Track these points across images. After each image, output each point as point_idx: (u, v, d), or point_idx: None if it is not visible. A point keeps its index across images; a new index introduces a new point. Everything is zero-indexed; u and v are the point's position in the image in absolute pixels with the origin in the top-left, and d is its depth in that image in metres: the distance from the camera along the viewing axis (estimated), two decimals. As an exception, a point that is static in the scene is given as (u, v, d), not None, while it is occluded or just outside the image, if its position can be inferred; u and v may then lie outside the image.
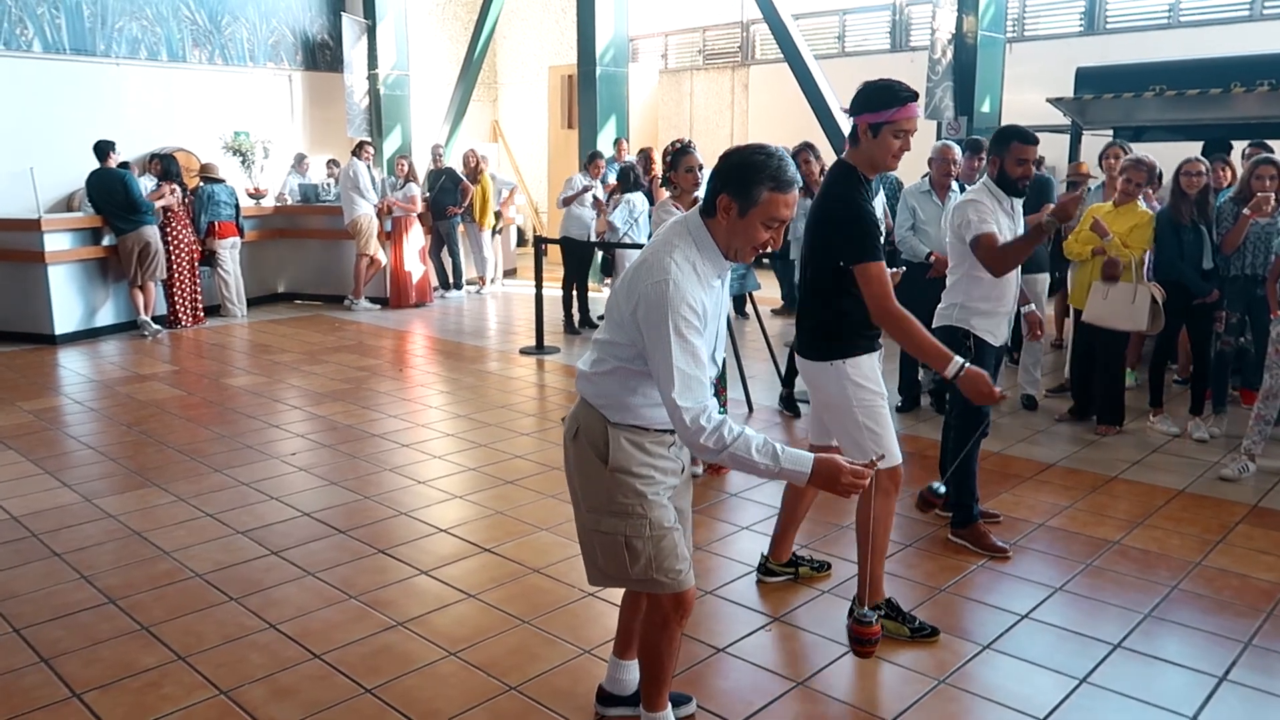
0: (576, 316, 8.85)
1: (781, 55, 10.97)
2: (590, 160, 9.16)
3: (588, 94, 12.01)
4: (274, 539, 4.01)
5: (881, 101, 2.88)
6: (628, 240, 7.85)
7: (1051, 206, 4.09)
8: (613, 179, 9.22)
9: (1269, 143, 6.61)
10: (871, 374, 3.07)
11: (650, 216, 7.98)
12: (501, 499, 4.50)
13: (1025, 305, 4.34)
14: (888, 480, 3.06)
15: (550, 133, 14.62)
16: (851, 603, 3.13)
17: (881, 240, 2.98)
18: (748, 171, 2.09)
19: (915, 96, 2.93)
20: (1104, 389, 5.48)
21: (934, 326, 3.93)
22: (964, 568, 3.74)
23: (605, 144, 11.89)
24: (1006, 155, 3.80)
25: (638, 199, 8.03)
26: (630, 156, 9.49)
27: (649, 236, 7.76)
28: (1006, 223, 3.89)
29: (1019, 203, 3.95)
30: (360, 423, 5.80)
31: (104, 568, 3.73)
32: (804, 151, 6.62)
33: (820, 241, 3.03)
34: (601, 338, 2.26)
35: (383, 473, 4.89)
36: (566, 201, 8.82)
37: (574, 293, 8.82)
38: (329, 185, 11.15)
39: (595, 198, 8.75)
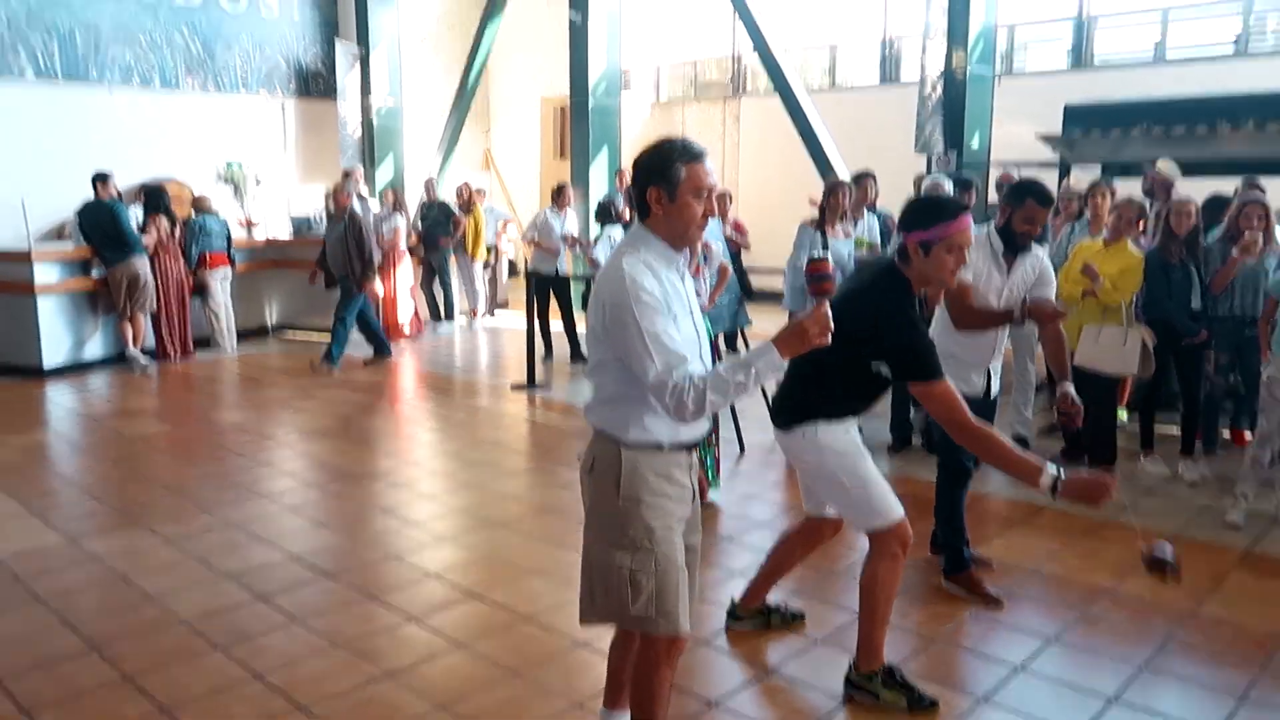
0: (559, 349, 8.88)
1: (773, 88, 11.05)
2: (558, 193, 9.05)
3: (580, 125, 12.07)
4: (261, 583, 3.96)
5: (931, 218, 2.80)
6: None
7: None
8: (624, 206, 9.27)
9: (1259, 179, 6.67)
10: (844, 437, 2.99)
11: None
12: (492, 541, 4.46)
13: (1061, 384, 3.79)
14: (893, 542, 2.96)
15: (543, 163, 14.70)
16: (850, 662, 3.10)
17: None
18: (660, 158, 2.22)
19: (966, 209, 2.86)
20: (1096, 430, 5.48)
21: None
22: (957, 615, 3.71)
23: (598, 174, 11.94)
24: (1018, 210, 3.77)
25: (617, 232, 8.10)
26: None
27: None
28: (997, 276, 3.89)
29: (1023, 259, 3.89)
30: (350, 461, 5.75)
31: (87, 613, 3.68)
32: (864, 180, 6.62)
33: (853, 332, 2.69)
34: (593, 364, 2.34)
35: (372, 514, 4.84)
36: (535, 243, 8.80)
37: (550, 327, 8.84)
38: (321, 217, 11.13)
39: (572, 236, 8.72)
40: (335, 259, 8.43)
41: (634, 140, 13.90)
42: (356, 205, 9.48)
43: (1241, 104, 7.66)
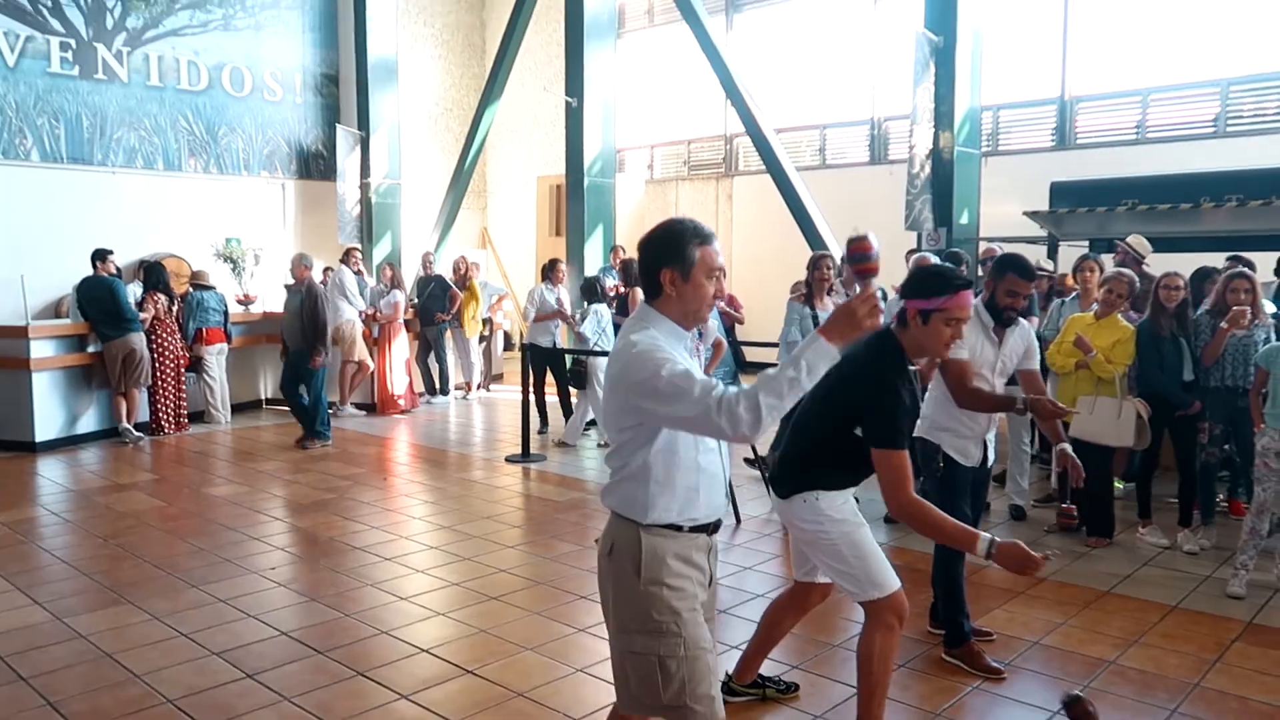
0: (555, 421, 8.86)
1: (764, 166, 11.28)
2: (550, 268, 9.09)
3: (575, 203, 12.28)
4: (250, 660, 3.88)
5: (933, 289, 2.86)
6: (597, 349, 8.00)
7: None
8: (610, 282, 9.36)
9: (1245, 255, 6.79)
10: (845, 506, 3.00)
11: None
12: (485, 616, 4.40)
13: (1059, 444, 4.03)
14: (889, 613, 2.95)
15: (538, 240, 14.89)
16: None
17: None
18: (673, 240, 2.25)
19: (969, 285, 2.92)
20: (1093, 502, 5.46)
21: (913, 434, 3.95)
22: (959, 690, 3.65)
23: (593, 251, 12.10)
24: (1000, 284, 3.86)
25: (603, 309, 8.27)
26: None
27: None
28: (989, 350, 3.93)
29: (1013, 332, 3.95)
30: (342, 535, 5.70)
31: (71, 693, 3.60)
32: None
33: (845, 398, 2.88)
34: (611, 447, 2.32)
35: (364, 588, 4.78)
36: (538, 319, 8.79)
37: (545, 399, 8.83)
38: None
39: (556, 310, 8.72)
40: (290, 331, 8.36)
41: (628, 217, 14.15)
42: (340, 275, 9.60)
43: (1223, 181, 7.84)
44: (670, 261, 2.23)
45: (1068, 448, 3.96)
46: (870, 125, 13.10)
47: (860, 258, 2.26)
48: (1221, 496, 5.95)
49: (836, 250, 7.91)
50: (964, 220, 9.58)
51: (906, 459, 2.78)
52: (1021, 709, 3.50)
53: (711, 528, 2.35)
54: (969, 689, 3.65)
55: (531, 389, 8.22)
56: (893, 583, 2.96)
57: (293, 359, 8.36)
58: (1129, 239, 6.95)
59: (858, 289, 2.08)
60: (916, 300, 2.88)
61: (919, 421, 3.92)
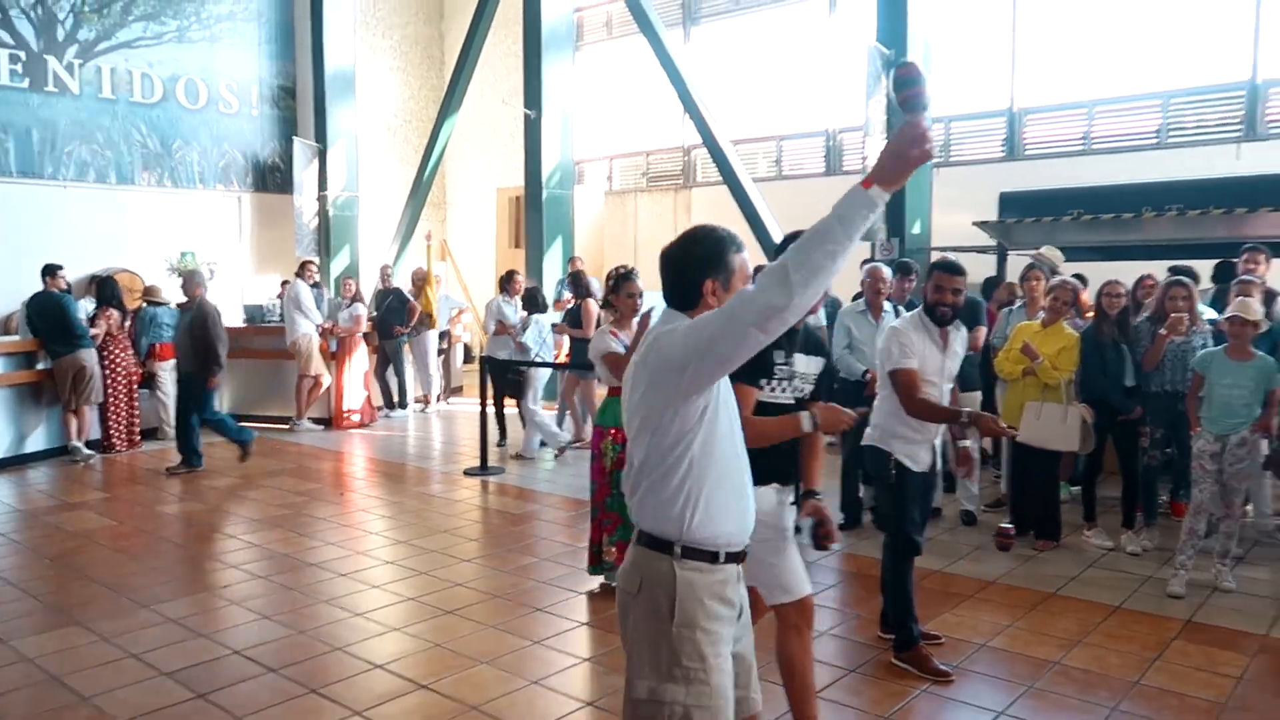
0: (514, 433, 8.85)
1: (722, 178, 11.38)
2: (508, 279, 9.01)
3: (534, 215, 12.31)
4: (201, 680, 3.85)
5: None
6: (538, 359, 8.03)
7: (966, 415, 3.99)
8: (568, 294, 9.37)
9: (1188, 264, 6.99)
10: (767, 507, 2.92)
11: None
12: (441, 630, 4.39)
13: (963, 440, 4.35)
14: (796, 615, 3.02)
15: (498, 252, 14.89)
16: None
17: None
18: (718, 249, 2.21)
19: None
20: (1040, 505, 5.58)
21: (861, 444, 4.05)
22: (907, 693, 3.71)
23: (552, 263, 12.13)
24: (929, 284, 3.97)
25: (544, 320, 8.31)
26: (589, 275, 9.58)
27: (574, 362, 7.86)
28: (935, 355, 4.01)
29: (959, 333, 4.04)
30: (297, 551, 5.66)
31: (17, 716, 3.54)
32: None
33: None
34: (637, 453, 2.17)
35: (318, 604, 4.75)
36: (498, 330, 8.71)
37: (505, 411, 8.81)
38: (274, 305, 11.15)
39: (501, 322, 8.63)
40: (182, 351, 7.88)
41: (587, 229, 14.19)
42: (295, 289, 9.53)
43: (1164, 192, 8.08)
44: (715, 271, 2.19)
45: (969, 444, 4.39)
46: (826, 136, 13.27)
47: (905, 82, 1.97)
48: (1163, 498, 6.09)
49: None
50: (916, 230, 9.74)
51: (743, 389, 2.73)
52: (968, 710, 3.57)
53: (742, 555, 2.25)
54: (917, 692, 3.72)
55: (490, 401, 8.21)
56: (805, 588, 3.04)
57: (186, 380, 7.88)
58: (1041, 250, 7.13)
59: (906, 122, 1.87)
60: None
61: (869, 430, 4.01)
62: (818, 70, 13.13)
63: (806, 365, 3.08)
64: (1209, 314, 5.81)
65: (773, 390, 2.98)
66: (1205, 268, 6.95)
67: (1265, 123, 9.91)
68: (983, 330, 6.24)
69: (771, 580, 3.02)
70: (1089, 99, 11.11)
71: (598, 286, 8.19)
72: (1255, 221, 7.26)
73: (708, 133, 11.12)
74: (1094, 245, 8.24)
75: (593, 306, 8.26)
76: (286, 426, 9.93)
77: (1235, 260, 6.13)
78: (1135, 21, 10.82)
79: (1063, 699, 3.65)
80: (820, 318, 6.62)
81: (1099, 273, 6.59)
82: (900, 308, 6.05)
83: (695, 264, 2.20)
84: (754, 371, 2.84)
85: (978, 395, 6.19)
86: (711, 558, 2.15)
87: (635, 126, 15.26)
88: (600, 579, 4.94)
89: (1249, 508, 5.55)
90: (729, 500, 2.17)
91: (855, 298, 6.21)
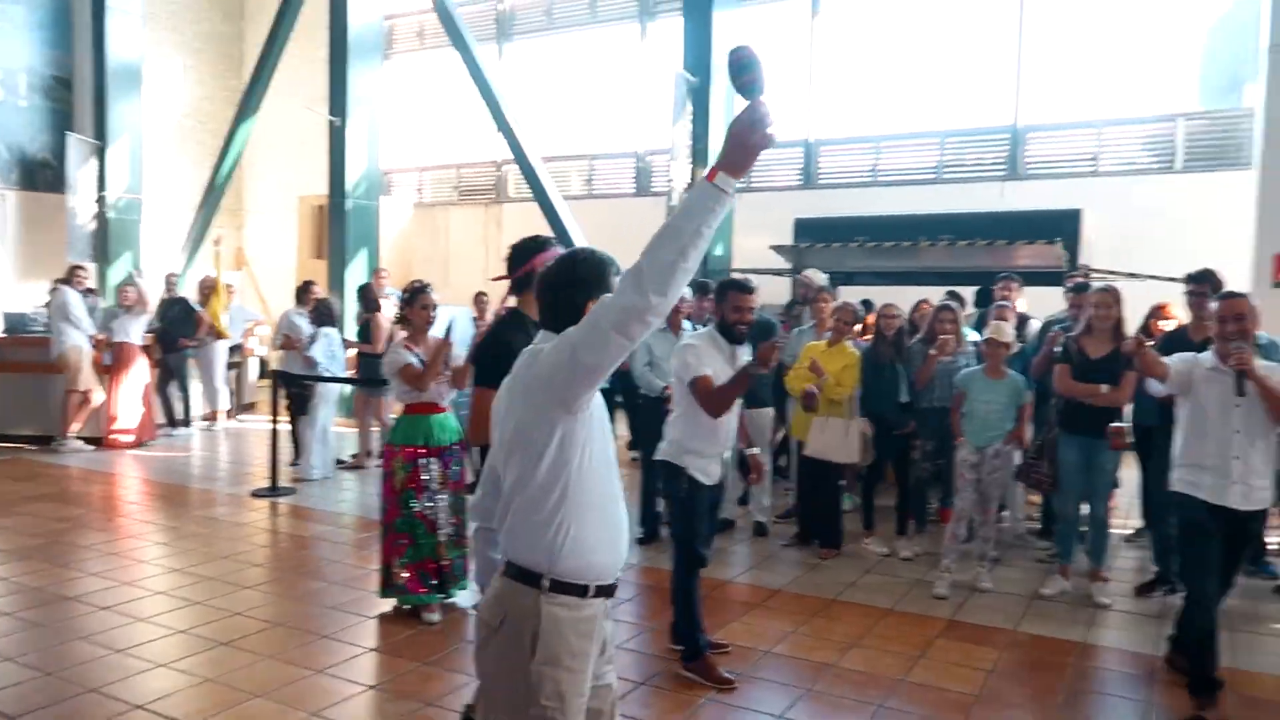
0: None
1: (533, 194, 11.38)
2: (304, 290, 8.65)
3: (338, 225, 11.85)
4: (-79, 733, 3.42)
5: (532, 251, 3.22)
6: (327, 374, 7.76)
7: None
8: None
9: (958, 289, 7.59)
10: None
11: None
12: (214, 664, 4.11)
13: (750, 448, 4.59)
14: None
15: (300, 263, 14.23)
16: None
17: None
18: (599, 272, 2.24)
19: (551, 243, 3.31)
20: (823, 515, 5.88)
21: (655, 458, 4.13)
22: (694, 702, 3.80)
23: (356, 275, 11.70)
24: (725, 304, 4.10)
25: (334, 333, 8.05)
26: (391, 287, 9.25)
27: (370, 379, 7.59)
28: (726, 371, 4.15)
29: (745, 350, 4.20)
30: (52, 583, 5.14)
31: None
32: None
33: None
34: (508, 475, 2.14)
35: (71, 642, 4.33)
36: (284, 344, 8.29)
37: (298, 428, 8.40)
38: (41, 314, 10.16)
39: (286, 335, 8.25)
40: None
41: (394, 241, 13.82)
42: (63, 296, 8.75)
43: (939, 223, 8.75)
44: (596, 292, 2.20)
45: (757, 451, 4.73)
46: (636, 158, 13.55)
47: (742, 67, 1.86)
48: (933, 506, 6.56)
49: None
50: (719, 252, 10.10)
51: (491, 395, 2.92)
52: (749, 715, 3.69)
53: (613, 589, 2.21)
54: (703, 701, 3.81)
55: (282, 418, 7.80)
56: None
57: None
58: (805, 272, 7.57)
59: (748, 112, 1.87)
60: (526, 265, 3.20)
61: (663, 445, 4.09)
62: (629, 92, 13.40)
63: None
64: (973, 336, 6.32)
65: None
66: (972, 293, 7.59)
67: (1025, 164, 10.96)
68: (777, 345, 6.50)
69: None
70: (877, 134, 11.92)
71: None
72: (1014, 253, 8.00)
73: (519, 149, 11.09)
74: (878, 270, 8.80)
75: (383, 321, 8.06)
76: (48, 446, 9.04)
77: (994, 287, 6.70)
78: (917, 65, 11.71)
79: (838, 700, 3.84)
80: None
81: (883, 296, 7.05)
82: (699, 326, 6.23)
83: (577, 285, 2.20)
84: (498, 377, 3.04)
85: (770, 411, 6.46)
86: (581, 591, 2.11)
87: (447, 139, 15.03)
88: (393, 602, 4.79)
89: (1005, 513, 6.06)
90: (602, 531, 2.14)
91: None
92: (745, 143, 1.86)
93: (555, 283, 2.25)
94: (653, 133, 13.04)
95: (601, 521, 2.14)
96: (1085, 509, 5.12)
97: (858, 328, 6.70)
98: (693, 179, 9.82)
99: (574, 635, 2.09)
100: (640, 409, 6.34)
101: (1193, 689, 3.72)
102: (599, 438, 2.15)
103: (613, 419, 3.10)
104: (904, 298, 6.87)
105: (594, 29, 13.81)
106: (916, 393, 5.95)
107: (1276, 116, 6.64)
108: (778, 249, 9.18)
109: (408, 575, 4.63)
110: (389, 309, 8.34)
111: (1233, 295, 3.83)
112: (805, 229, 9.42)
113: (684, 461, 4.03)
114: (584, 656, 2.11)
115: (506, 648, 2.10)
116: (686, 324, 6.10)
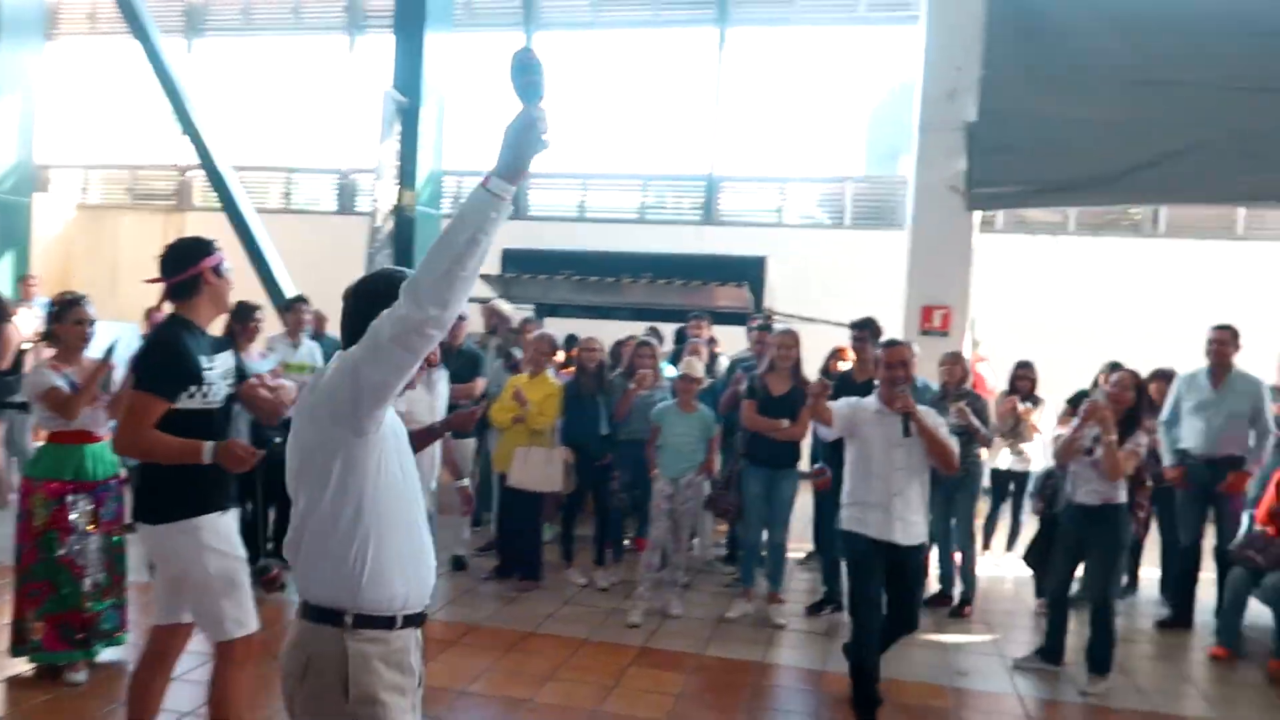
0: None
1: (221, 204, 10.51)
2: None
3: (-22, 223, 10.25)
4: None
5: (198, 253, 2.99)
6: None
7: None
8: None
9: (657, 325, 7.93)
10: (229, 536, 2.97)
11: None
12: None
13: (459, 481, 4.54)
14: (243, 652, 2.96)
15: (-77, 262, 12.13)
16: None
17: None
18: (391, 283, 2.03)
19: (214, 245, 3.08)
20: (524, 547, 5.86)
21: None
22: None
23: (1, 279, 10.18)
24: None
25: None
26: (42, 297, 8.08)
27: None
28: (426, 396, 4.04)
29: (442, 373, 4.12)
30: None
31: None
32: (297, 304, 6.39)
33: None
34: (298, 502, 2.01)
35: None
36: None
37: None
38: None
39: None
40: None
41: (52, 244, 12.23)
42: None
43: (641, 261, 9.11)
44: (387, 305, 1.96)
45: (466, 483, 4.67)
46: (339, 174, 12.96)
47: (523, 69, 1.81)
48: (630, 535, 6.76)
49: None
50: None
51: (151, 402, 2.82)
52: (441, 761, 3.55)
53: (422, 618, 2.10)
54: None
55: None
56: (253, 624, 2.98)
57: None
58: (493, 301, 7.68)
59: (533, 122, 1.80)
60: (185, 272, 2.97)
61: None
62: (335, 106, 12.83)
63: (223, 364, 3.05)
64: (670, 371, 6.62)
65: (191, 397, 2.90)
66: (672, 330, 7.98)
67: (719, 212, 11.77)
68: (481, 381, 6.42)
69: (220, 614, 2.89)
70: (585, 172, 12.27)
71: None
72: (710, 293, 8.52)
73: (207, 154, 10.20)
74: (584, 304, 9.01)
75: (11, 334, 6.99)
76: None
77: (686, 326, 7.08)
78: (625, 108, 12.23)
79: (531, 736, 3.80)
80: (316, 358, 6.35)
81: (588, 329, 7.21)
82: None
83: (376, 300, 1.99)
84: (164, 382, 2.83)
85: (472, 442, 6.35)
86: (388, 623, 2.00)
87: (122, 136, 13.54)
88: (25, 661, 4.11)
89: (694, 540, 6.37)
90: (405, 557, 2.03)
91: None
92: (519, 147, 1.81)
93: (353, 299, 2.13)
94: (358, 150, 12.56)
95: (403, 549, 2.04)
96: (765, 535, 5.49)
97: (560, 357, 6.83)
98: (400, 200, 9.54)
99: (386, 667, 2.00)
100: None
101: (855, 706, 4.05)
102: (394, 458, 2.04)
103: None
104: (607, 332, 7.08)
105: (298, 36, 13.10)
106: (615, 425, 6.11)
107: (924, 185, 7.58)
108: (485, 278, 9.12)
109: (46, 629, 4.00)
110: (29, 320, 7.29)
111: (895, 343, 4.22)
112: (513, 260, 9.45)
113: None
114: (400, 690, 2.02)
115: (316, 696, 1.98)
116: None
